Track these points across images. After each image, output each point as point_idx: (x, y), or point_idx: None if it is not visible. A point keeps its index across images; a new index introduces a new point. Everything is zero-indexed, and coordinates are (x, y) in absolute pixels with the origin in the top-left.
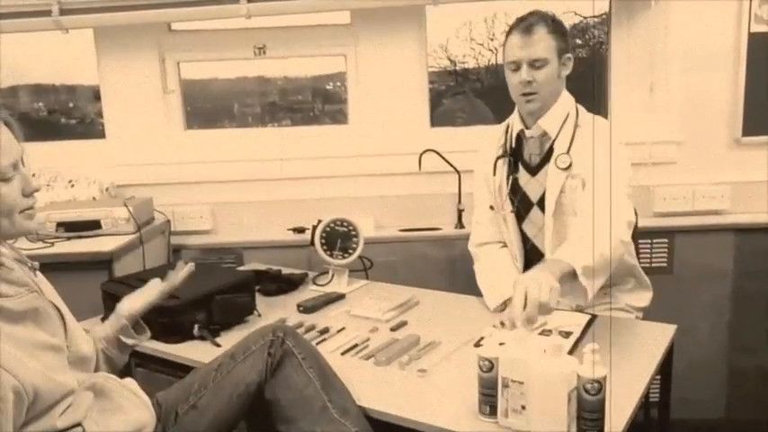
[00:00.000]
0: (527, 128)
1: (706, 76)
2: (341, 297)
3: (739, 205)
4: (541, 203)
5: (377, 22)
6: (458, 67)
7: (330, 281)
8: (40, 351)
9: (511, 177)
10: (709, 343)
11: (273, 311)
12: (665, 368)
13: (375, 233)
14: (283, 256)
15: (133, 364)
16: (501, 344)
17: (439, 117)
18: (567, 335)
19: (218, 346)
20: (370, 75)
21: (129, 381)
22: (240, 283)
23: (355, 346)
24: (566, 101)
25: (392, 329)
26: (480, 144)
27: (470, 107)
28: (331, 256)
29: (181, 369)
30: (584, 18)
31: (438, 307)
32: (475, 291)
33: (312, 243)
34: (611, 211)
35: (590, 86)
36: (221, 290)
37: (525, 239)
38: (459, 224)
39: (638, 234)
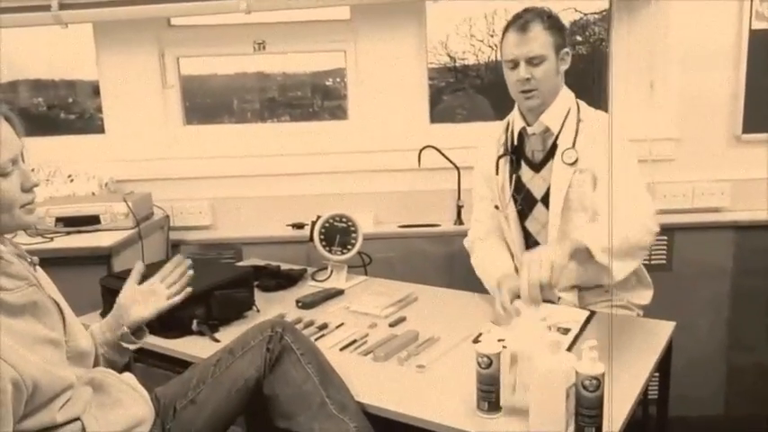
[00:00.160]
0: (528, 125)
1: (706, 72)
2: (340, 293)
3: (739, 202)
4: (545, 200)
5: (377, 17)
6: (458, 64)
7: (329, 277)
8: (39, 345)
9: (514, 176)
10: (709, 340)
11: (272, 307)
12: (664, 365)
13: (374, 229)
14: (282, 252)
15: (132, 359)
16: (500, 340)
17: (439, 113)
18: (565, 331)
19: (217, 341)
20: (370, 71)
21: (127, 375)
22: (239, 278)
23: (354, 341)
24: (566, 96)
25: (391, 325)
26: (480, 141)
27: (470, 103)
28: (330, 251)
29: (179, 364)
30: (585, 15)
31: (437, 303)
32: (473, 287)
33: (311, 239)
34: (624, 203)
35: (590, 83)
36: (220, 285)
37: (527, 237)
38: (459, 220)
39: None
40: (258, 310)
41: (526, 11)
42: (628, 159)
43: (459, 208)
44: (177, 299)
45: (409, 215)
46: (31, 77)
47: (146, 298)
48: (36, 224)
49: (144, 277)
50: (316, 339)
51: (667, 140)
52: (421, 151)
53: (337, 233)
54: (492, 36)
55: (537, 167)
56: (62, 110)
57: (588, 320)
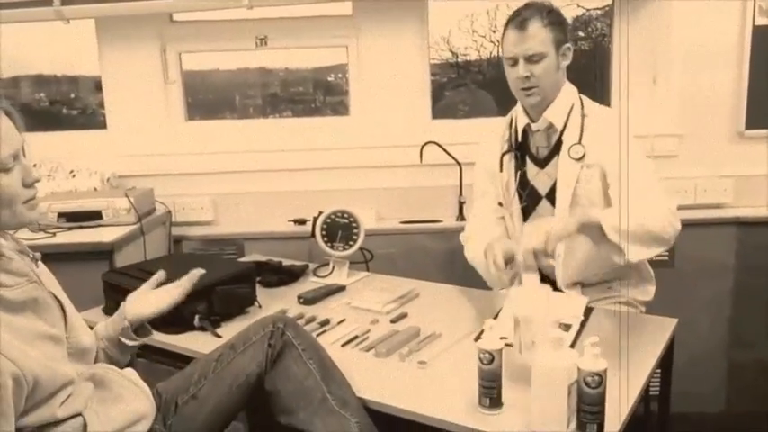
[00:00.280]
0: (533, 121)
1: (709, 68)
2: (341, 289)
3: (742, 199)
4: (550, 196)
5: (378, 13)
6: (459, 60)
7: (331, 272)
8: (40, 341)
9: (519, 172)
10: (710, 336)
11: (274, 303)
12: (666, 362)
13: (376, 225)
14: (284, 248)
15: (134, 355)
16: (502, 338)
17: (440, 109)
18: (566, 327)
19: (219, 336)
20: (372, 66)
21: (129, 371)
22: (241, 274)
23: (355, 337)
24: (569, 91)
25: (392, 321)
26: (482, 137)
27: (472, 99)
28: (332, 247)
29: (181, 359)
30: (587, 10)
31: (438, 299)
32: (475, 283)
33: (313, 235)
34: (622, 198)
35: (593, 79)
36: (222, 281)
37: None
38: (460, 216)
39: None
40: (260, 306)
41: (526, 7)
42: (641, 156)
43: (461, 204)
44: (180, 296)
45: (411, 211)
46: (33, 73)
47: (150, 296)
48: (38, 220)
49: (144, 272)
50: (317, 335)
51: (670, 136)
52: (423, 147)
53: (339, 229)
54: (494, 32)
55: (542, 163)
56: (64, 105)
57: (587, 316)
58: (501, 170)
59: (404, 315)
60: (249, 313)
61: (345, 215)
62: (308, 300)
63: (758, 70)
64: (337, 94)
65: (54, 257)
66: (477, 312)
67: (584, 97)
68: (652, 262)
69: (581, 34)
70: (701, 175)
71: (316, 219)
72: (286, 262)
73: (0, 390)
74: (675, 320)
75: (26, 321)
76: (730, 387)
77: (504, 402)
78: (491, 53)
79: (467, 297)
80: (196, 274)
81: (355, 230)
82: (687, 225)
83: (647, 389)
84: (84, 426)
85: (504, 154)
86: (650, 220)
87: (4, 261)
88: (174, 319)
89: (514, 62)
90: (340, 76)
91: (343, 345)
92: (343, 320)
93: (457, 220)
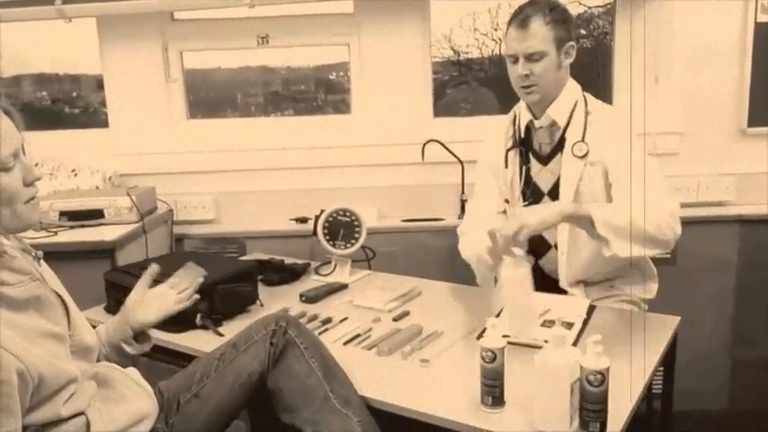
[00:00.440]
0: (536, 118)
1: (711, 66)
2: (343, 287)
3: (744, 196)
4: (552, 193)
5: (380, 11)
6: (461, 58)
7: (333, 271)
8: (43, 339)
9: (524, 167)
10: (713, 334)
11: (276, 301)
12: (669, 359)
13: (378, 223)
14: (286, 246)
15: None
16: (505, 336)
17: (442, 107)
18: (569, 326)
19: (221, 335)
20: (374, 64)
21: (131, 370)
22: (243, 272)
23: (358, 336)
24: (572, 89)
25: (394, 320)
26: (484, 134)
27: (474, 97)
28: (334, 246)
29: (183, 358)
30: (589, 8)
31: (440, 297)
32: (477, 281)
33: (315, 233)
34: (629, 196)
35: (595, 77)
36: (224, 279)
37: None
38: (462, 215)
39: None
40: (262, 305)
41: (530, 4)
42: (645, 154)
43: (463, 202)
44: (184, 305)
45: (413, 209)
46: (34, 72)
47: (153, 301)
48: (40, 220)
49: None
50: (319, 334)
51: (672, 134)
52: (424, 145)
53: (341, 227)
54: (496, 30)
55: (545, 160)
56: (66, 104)
57: (589, 314)
58: (506, 166)
59: (406, 313)
60: (251, 312)
61: (347, 213)
62: (309, 298)
63: (760, 68)
64: (339, 92)
65: (56, 256)
66: (479, 310)
67: (587, 95)
68: (654, 260)
69: (583, 32)
70: (703, 173)
71: (317, 217)
72: (288, 260)
73: (5, 386)
74: (678, 318)
75: (29, 319)
76: (733, 385)
77: (506, 401)
78: (493, 51)
79: (469, 295)
80: (197, 275)
81: (357, 229)
82: (689, 223)
83: (649, 387)
84: (88, 425)
85: (509, 150)
86: (648, 220)
87: (7, 259)
88: (175, 318)
89: (515, 60)
90: (342, 74)
91: (345, 343)
92: (345, 319)
93: (459, 218)
